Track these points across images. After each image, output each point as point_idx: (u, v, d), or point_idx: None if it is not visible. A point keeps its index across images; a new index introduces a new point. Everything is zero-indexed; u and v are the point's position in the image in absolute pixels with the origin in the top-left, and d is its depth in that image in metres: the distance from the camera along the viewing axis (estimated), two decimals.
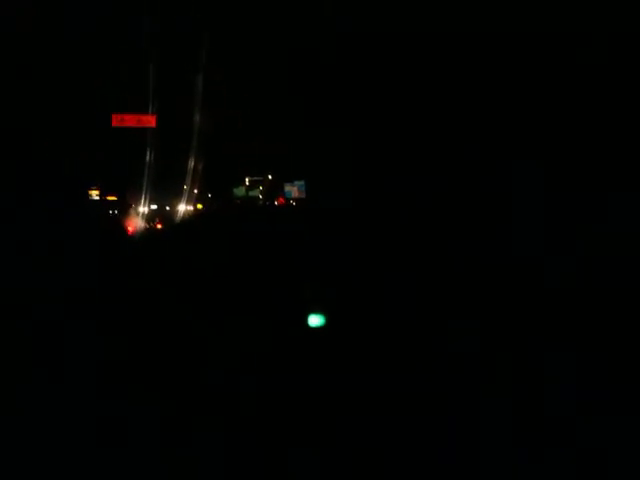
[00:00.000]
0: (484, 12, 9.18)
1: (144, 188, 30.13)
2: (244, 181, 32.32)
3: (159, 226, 20.51)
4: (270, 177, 30.68)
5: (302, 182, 24.57)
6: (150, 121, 22.98)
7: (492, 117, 8.98)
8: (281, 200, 24.62)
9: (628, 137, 7.55)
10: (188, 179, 37.50)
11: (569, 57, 8.27)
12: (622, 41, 7.74)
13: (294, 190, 25.32)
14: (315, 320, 5.39)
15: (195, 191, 36.23)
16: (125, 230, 14.31)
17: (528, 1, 8.91)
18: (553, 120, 8.27)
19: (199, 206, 32.15)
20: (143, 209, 24.11)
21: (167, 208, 31.94)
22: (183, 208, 35.83)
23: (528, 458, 2.96)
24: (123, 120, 23.29)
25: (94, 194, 29.76)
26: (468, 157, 8.79)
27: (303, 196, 24.25)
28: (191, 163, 36.98)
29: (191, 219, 22.65)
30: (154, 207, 25.27)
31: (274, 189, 28.80)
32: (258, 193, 31.42)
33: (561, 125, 8.13)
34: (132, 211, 24.90)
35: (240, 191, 31.58)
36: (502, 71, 8.95)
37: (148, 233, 17.69)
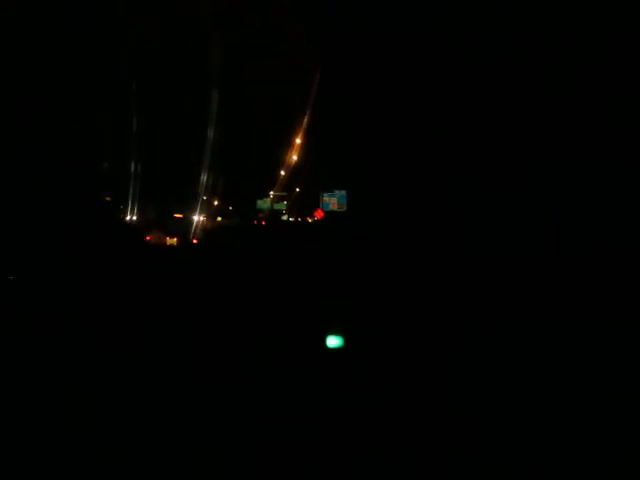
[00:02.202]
0: (484, 13, 9.33)
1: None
2: (268, 195, 30.24)
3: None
4: (298, 190, 28.48)
5: (343, 192, 21.92)
6: None
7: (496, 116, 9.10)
8: (320, 213, 21.95)
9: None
10: (202, 189, 35.51)
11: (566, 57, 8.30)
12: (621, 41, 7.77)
13: (332, 201, 22.66)
14: (333, 342, 5.50)
15: (215, 203, 34.14)
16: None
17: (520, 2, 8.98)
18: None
19: (219, 219, 30.08)
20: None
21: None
22: (197, 218, 33.85)
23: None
24: None
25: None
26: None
27: (343, 209, 21.72)
28: (204, 176, 35.08)
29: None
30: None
31: (303, 201, 26.48)
32: (283, 207, 29.29)
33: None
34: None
35: (264, 203, 29.35)
36: (501, 71, 9.11)
37: None
